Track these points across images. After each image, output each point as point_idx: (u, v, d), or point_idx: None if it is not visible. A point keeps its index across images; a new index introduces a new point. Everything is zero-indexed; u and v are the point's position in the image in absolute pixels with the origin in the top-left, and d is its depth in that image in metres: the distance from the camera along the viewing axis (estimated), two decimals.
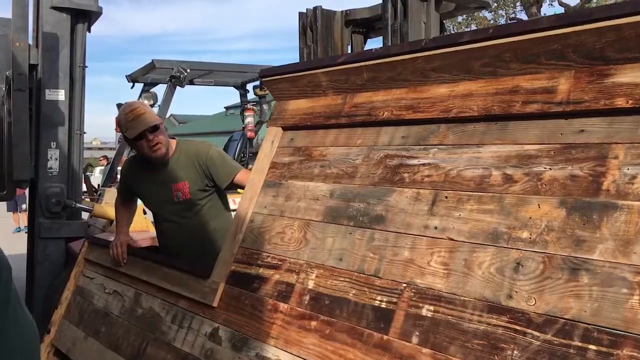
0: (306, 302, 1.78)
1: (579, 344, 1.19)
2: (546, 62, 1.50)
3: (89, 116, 5.21)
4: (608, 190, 1.28)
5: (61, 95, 4.81)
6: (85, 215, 5.82)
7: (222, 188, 2.84)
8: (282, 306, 1.84)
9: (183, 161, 2.85)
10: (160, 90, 6.87)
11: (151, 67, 6.42)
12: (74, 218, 5.07)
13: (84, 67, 4.99)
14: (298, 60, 3.74)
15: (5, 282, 0.91)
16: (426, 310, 1.48)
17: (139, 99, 6.83)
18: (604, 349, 1.16)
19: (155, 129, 2.74)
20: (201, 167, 2.81)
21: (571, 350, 1.19)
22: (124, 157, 8.74)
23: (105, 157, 17.37)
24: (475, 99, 1.64)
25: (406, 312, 1.52)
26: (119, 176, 7.28)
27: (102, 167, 15.45)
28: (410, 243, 1.60)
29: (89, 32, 5.13)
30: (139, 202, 5.60)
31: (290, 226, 1.98)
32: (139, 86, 7.10)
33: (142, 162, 2.91)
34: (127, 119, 2.74)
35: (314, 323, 1.72)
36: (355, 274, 1.69)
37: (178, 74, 5.94)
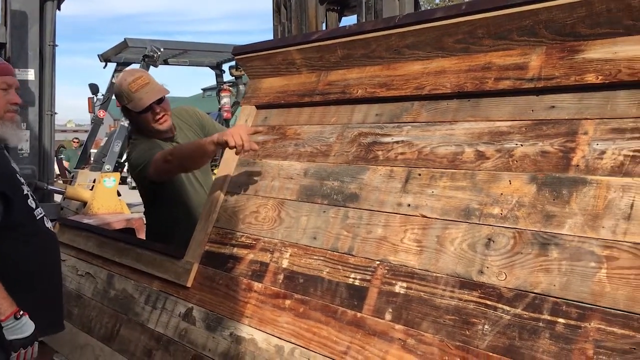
0: (280, 281, 1.77)
1: (548, 317, 1.21)
2: (518, 39, 1.49)
3: (63, 98, 5.17)
4: (577, 166, 1.28)
5: (31, 74, 4.69)
6: (58, 198, 5.74)
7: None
8: (256, 285, 1.83)
9: (184, 125, 2.76)
10: None
11: (124, 46, 6.31)
12: (47, 200, 4.98)
13: (54, 45, 4.87)
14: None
15: None
16: (399, 287, 1.48)
17: (112, 78, 6.71)
18: (572, 322, 1.17)
19: (162, 99, 2.57)
20: (196, 123, 2.78)
21: (540, 324, 1.21)
22: (99, 139, 8.62)
23: (77, 139, 17.03)
24: (449, 76, 1.63)
25: (379, 289, 1.52)
26: (92, 159, 7.20)
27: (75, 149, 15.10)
28: (384, 221, 1.60)
29: (59, 10, 5.01)
30: (113, 183, 5.55)
31: (265, 205, 1.97)
32: (111, 66, 6.97)
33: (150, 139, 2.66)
34: (130, 89, 2.51)
35: (288, 302, 1.72)
36: (329, 252, 1.69)
37: (151, 54, 5.84)
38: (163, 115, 2.57)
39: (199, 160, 2.36)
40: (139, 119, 2.59)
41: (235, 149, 1.97)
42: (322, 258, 1.70)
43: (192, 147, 2.32)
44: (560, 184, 1.30)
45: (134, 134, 2.82)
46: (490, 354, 1.25)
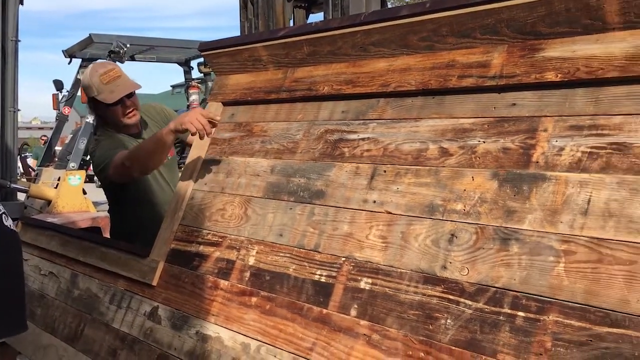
0: (247, 279, 1.77)
1: (509, 311, 1.23)
2: (481, 37, 1.51)
3: (27, 95, 5.04)
4: (537, 162, 1.31)
5: None
6: (22, 197, 5.61)
7: (186, 139, 2.68)
8: (223, 283, 1.82)
9: (150, 121, 2.74)
10: None
11: (89, 41, 6.18)
12: (9, 199, 4.87)
13: (17, 41, 4.77)
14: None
15: None
16: (364, 283, 1.49)
17: (77, 75, 6.58)
18: (531, 315, 1.19)
19: (132, 94, 2.59)
20: (163, 120, 2.73)
21: (501, 318, 1.23)
22: (64, 136, 8.45)
23: (45, 136, 16.85)
24: (413, 73, 1.65)
25: (345, 285, 1.53)
26: (56, 158, 7.05)
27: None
28: (350, 217, 1.61)
29: (22, 4, 4.90)
30: (78, 181, 5.45)
31: (231, 202, 1.95)
32: (76, 62, 6.83)
33: (117, 134, 2.65)
34: (102, 81, 2.53)
35: (254, 299, 1.71)
36: (296, 249, 1.69)
37: (117, 49, 5.74)
38: (132, 110, 2.59)
39: (161, 155, 2.34)
40: (107, 112, 2.58)
41: (198, 134, 1.97)
42: (288, 255, 1.70)
43: (151, 145, 2.28)
44: (521, 180, 1.32)
45: (99, 129, 2.79)
46: (453, 347, 1.27)
